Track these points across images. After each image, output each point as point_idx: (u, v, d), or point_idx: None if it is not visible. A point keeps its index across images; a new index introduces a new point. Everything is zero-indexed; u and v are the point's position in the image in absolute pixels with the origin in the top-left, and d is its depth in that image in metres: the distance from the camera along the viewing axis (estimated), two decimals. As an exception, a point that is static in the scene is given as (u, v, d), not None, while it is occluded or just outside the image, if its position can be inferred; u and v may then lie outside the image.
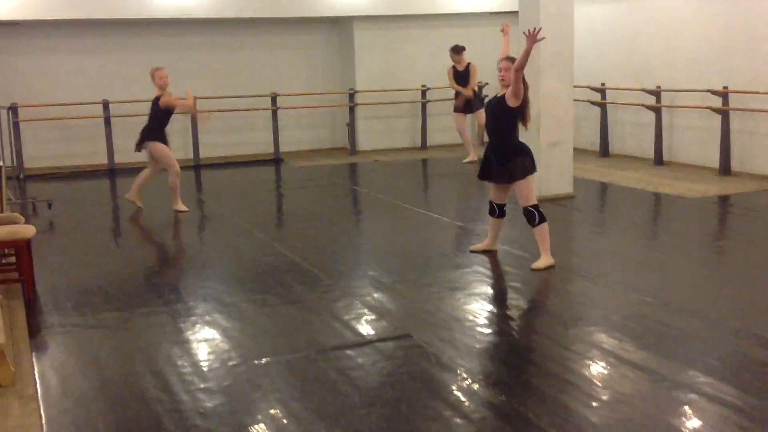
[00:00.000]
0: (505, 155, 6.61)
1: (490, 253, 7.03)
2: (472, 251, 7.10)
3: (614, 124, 12.71)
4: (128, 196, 9.50)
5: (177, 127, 13.01)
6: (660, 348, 4.86)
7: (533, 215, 6.57)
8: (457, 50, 12.31)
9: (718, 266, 6.98)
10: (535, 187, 6.73)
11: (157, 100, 9.13)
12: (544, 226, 6.60)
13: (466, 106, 12.41)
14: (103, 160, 12.55)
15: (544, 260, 6.56)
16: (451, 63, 12.42)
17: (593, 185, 10.41)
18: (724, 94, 10.61)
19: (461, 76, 12.33)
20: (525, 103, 6.52)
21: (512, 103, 6.46)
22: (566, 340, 5.08)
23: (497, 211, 6.92)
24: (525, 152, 6.64)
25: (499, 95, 6.64)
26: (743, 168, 10.65)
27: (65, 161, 12.66)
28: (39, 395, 4.36)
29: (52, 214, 9.31)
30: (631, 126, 12.49)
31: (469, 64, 12.31)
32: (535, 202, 6.61)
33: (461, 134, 12.66)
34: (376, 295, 6.07)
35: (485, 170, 6.82)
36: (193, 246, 8.20)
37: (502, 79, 6.52)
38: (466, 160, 12.44)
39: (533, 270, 6.51)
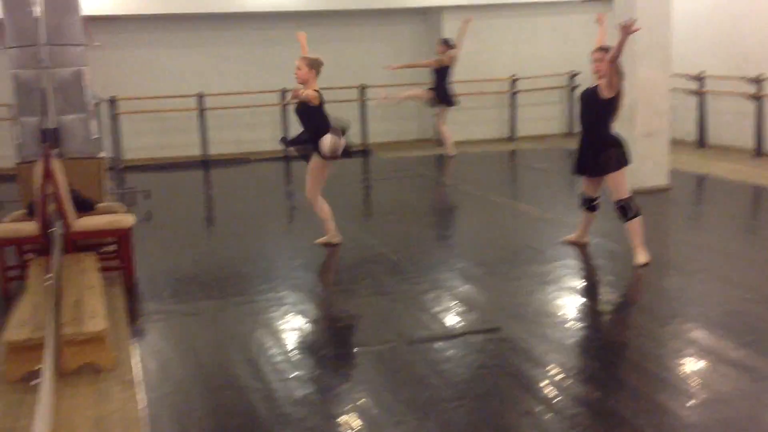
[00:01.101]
0: (599, 147, 6.46)
1: (581, 245, 6.90)
2: (564, 241, 6.99)
3: (712, 114, 12.26)
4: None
5: (266, 119, 13.26)
6: (761, 346, 4.68)
7: (625, 210, 6.41)
8: (448, 43, 12.01)
9: (824, 262, 6.67)
10: (629, 180, 6.54)
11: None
12: (638, 220, 6.41)
13: (444, 98, 12.11)
14: (197, 151, 12.88)
15: (643, 255, 6.37)
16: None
17: (690, 177, 10.08)
18: (831, 82, 10.12)
19: (444, 71, 11.99)
20: (619, 94, 6.36)
21: (607, 93, 6.32)
22: (662, 337, 4.94)
23: (589, 204, 6.78)
24: (618, 144, 6.48)
25: (592, 86, 6.50)
26: None
27: (161, 152, 13.03)
28: (139, 380, 4.51)
29: (150, 204, 9.61)
30: (730, 115, 12.02)
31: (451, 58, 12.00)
32: (628, 196, 6.44)
33: (442, 130, 12.46)
34: (464, 287, 6.04)
35: (579, 164, 6.68)
36: (284, 236, 8.34)
37: (597, 71, 6.38)
38: (450, 154, 12.32)
39: (637, 266, 6.30)
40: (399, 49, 14.19)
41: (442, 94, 12.13)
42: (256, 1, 12.56)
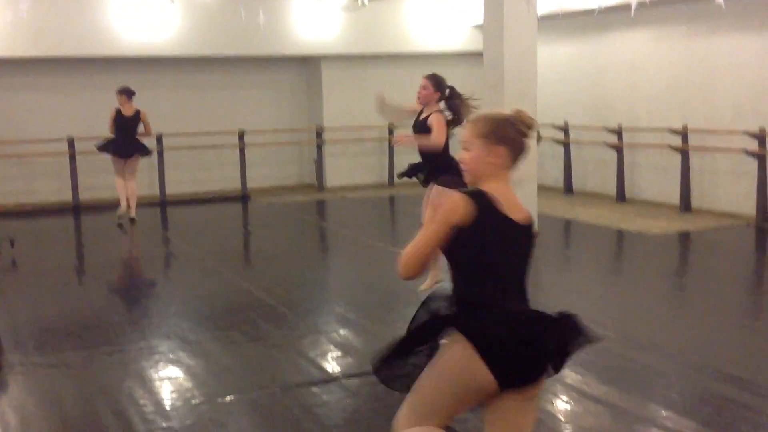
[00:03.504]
0: (435, 173, 6.41)
1: (438, 282, 6.96)
2: (422, 291, 6.61)
3: (577, 162, 12.91)
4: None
5: (143, 163, 12.98)
6: (622, 383, 4.91)
7: None
8: (126, 93, 10.65)
9: (679, 302, 7.09)
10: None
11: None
12: None
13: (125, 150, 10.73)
14: (67, 197, 12.45)
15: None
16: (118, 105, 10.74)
17: (557, 222, 10.53)
18: (683, 133, 10.85)
19: (129, 121, 10.64)
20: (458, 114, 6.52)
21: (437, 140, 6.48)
22: (530, 376, 5.11)
23: None
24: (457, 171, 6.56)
25: (421, 118, 6.70)
26: (703, 205, 10.86)
27: (29, 198, 12.54)
28: (-2, 436, 4.29)
29: (15, 252, 9.20)
30: (594, 163, 12.69)
31: (138, 110, 10.71)
32: None
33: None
34: (342, 331, 6.07)
35: (413, 170, 6.84)
36: (157, 284, 8.15)
37: (418, 96, 6.66)
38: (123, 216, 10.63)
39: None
40: (279, 96, 14.28)
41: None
42: (130, 46, 12.33)
